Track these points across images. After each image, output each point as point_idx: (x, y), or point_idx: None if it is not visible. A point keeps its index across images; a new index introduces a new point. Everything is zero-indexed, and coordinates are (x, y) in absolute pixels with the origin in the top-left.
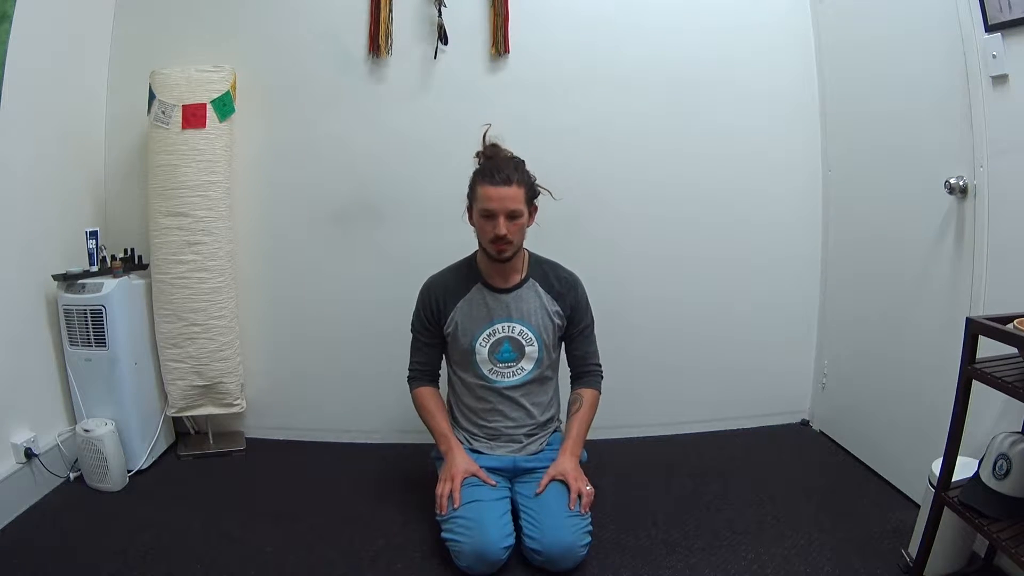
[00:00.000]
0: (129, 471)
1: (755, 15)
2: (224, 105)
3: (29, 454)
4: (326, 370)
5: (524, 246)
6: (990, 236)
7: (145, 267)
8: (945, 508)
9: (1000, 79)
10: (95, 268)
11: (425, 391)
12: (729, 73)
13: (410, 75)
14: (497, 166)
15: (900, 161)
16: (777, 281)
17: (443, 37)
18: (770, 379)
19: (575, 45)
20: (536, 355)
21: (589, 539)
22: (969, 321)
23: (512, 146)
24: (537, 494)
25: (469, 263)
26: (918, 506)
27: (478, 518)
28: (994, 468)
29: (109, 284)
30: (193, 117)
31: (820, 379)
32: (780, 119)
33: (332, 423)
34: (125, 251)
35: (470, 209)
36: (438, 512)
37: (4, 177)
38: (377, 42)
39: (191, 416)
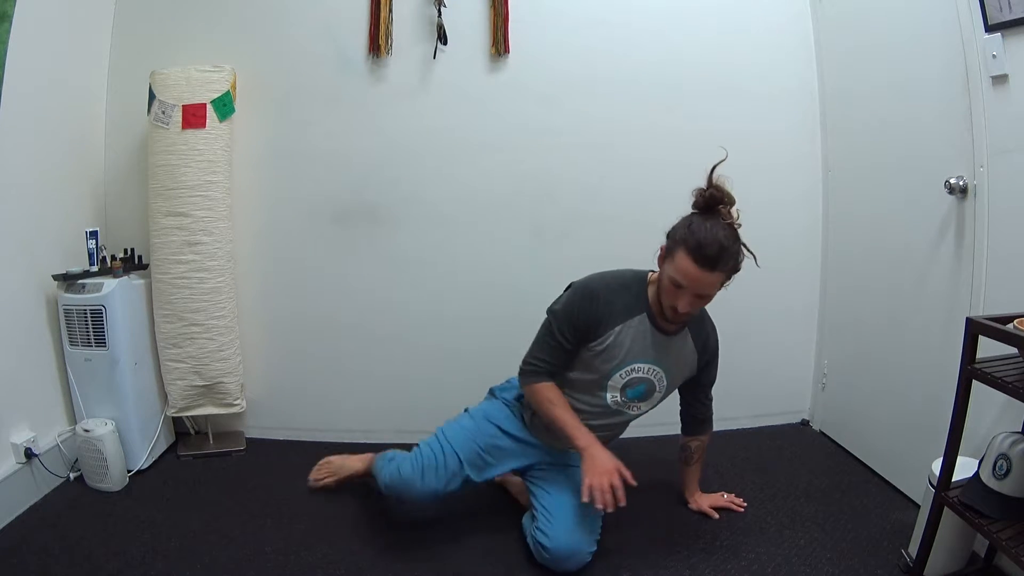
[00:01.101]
0: (129, 471)
1: (756, 16)
2: (224, 105)
3: (29, 454)
4: (326, 370)
5: None
6: (990, 236)
7: (145, 267)
8: (945, 508)
9: (1000, 79)
10: (95, 268)
11: (551, 385)
12: (729, 73)
13: (410, 75)
14: (707, 243)
15: (900, 161)
16: (777, 281)
17: (443, 37)
18: (770, 379)
19: (575, 45)
20: (655, 401)
21: (596, 547)
22: (969, 321)
23: (512, 146)
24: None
25: (641, 285)
26: (918, 506)
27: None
28: (994, 468)
29: (109, 284)
30: (193, 117)
31: (820, 379)
32: (780, 119)
33: (332, 423)
34: (125, 251)
35: (665, 252)
36: (601, 507)
37: (4, 177)
38: (377, 42)
39: (191, 416)
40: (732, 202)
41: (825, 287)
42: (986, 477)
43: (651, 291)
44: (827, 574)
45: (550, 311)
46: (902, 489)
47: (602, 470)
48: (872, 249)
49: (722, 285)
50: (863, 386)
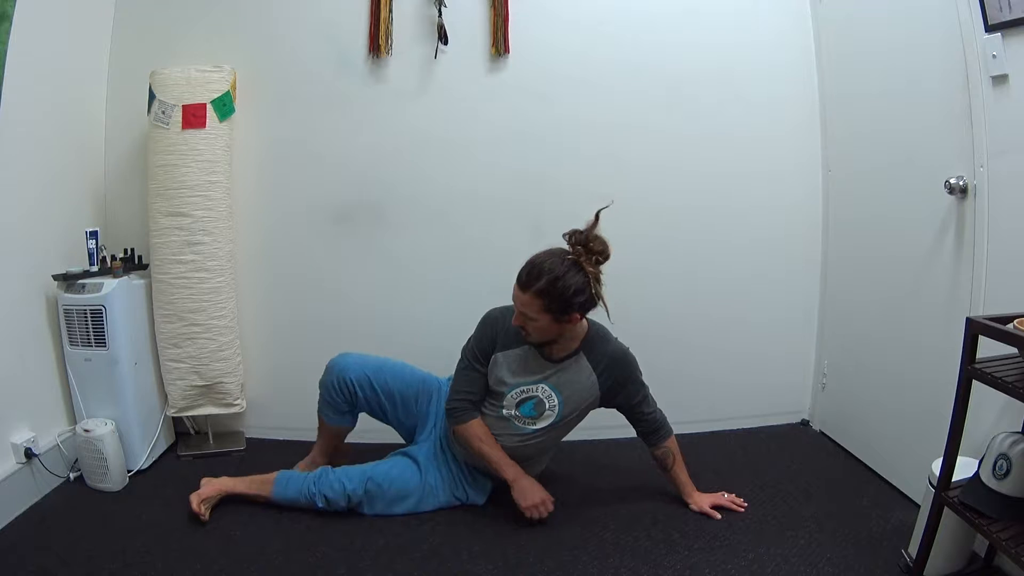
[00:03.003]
0: (129, 471)
1: (755, 16)
2: (224, 105)
3: (29, 454)
4: None
5: (588, 318)
6: (990, 236)
7: (145, 267)
8: (945, 508)
9: (1000, 79)
10: (95, 268)
11: (479, 423)
12: (729, 72)
13: (410, 75)
14: (530, 266)
15: (900, 161)
16: (777, 281)
17: (443, 37)
18: (770, 379)
19: (575, 45)
20: (552, 419)
21: (322, 504)
22: (969, 321)
23: (512, 145)
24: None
25: None
26: (918, 506)
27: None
28: (994, 468)
29: (109, 284)
30: (193, 117)
31: (820, 379)
32: (780, 119)
33: None
34: (125, 251)
35: None
36: (536, 518)
37: (4, 177)
38: (377, 42)
39: (191, 416)
40: (598, 250)
41: (825, 287)
42: (986, 477)
43: None
44: (827, 574)
45: (465, 346)
46: (902, 489)
47: (533, 499)
48: (872, 249)
49: (550, 314)
50: (863, 386)
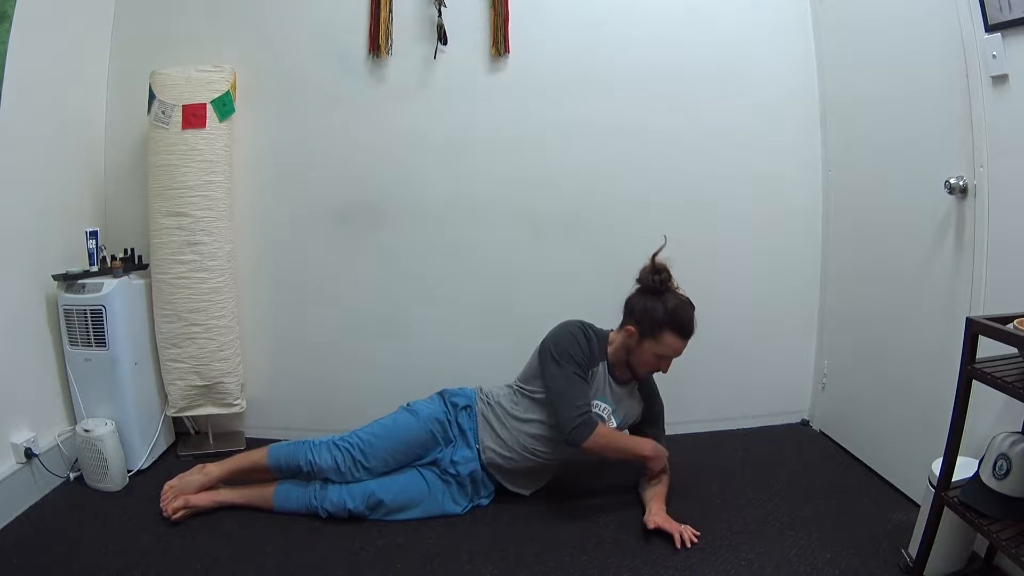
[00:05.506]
0: (129, 471)
1: (755, 15)
2: (224, 105)
3: (29, 454)
4: (326, 370)
5: None
6: (990, 236)
7: (145, 267)
8: (945, 508)
9: (1000, 79)
10: (95, 268)
11: (602, 425)
12: (729, 72)
13: (410, 75)
14: (690, 321)
15: (900, 161)
16: (777, 281)
17: (443, 37)
18: (770, 379)
19: (575, 45)
20: None
21: (325, 515)
22: (969, 321)
23: (512, 145)
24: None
25: (602, 341)
26: (918, 506)
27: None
28: (994, 468)
29: (109, 284)
30: (193, 117)
31: (820, 379)
32: (780, 119)
33: (332, 423)
34: (125, 251)
35: (640, 333)
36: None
37: (4, 177)
38: (377, 42)
39: (191, 416)
40: (671, 274)
41: (825, 287)
42: (986, 477)
43: (610, 349)
44: (827, 574)
45: (555, 360)
46: (902, 489)
47: (663, 463)
48: (872, 249)
49: None
50: (863, 386)
